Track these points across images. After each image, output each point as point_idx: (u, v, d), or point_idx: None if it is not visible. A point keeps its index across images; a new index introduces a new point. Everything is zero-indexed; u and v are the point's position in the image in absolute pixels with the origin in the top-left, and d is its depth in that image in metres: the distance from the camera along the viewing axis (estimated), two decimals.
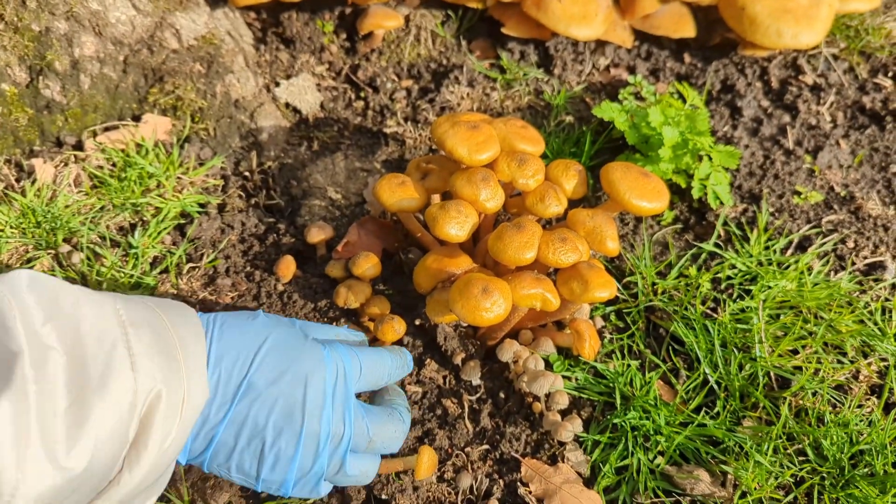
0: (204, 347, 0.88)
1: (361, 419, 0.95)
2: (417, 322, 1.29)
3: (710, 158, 1.44)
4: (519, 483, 1.13)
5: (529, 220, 1.18)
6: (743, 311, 1.31)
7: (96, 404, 0.74)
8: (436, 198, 1.38)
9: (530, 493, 1.12)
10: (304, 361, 0.92)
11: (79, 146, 1.50)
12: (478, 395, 1.24)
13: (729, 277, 1.37)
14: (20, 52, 1.47)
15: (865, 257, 1.43)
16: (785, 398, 1.18)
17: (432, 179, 1.30)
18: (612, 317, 1.34)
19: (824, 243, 1.44)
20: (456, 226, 1.17)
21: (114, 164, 1.47)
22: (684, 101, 1.60)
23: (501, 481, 1.14)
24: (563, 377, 1.23)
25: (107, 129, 1.52)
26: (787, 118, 1.71)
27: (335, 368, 0.94)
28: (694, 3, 1.81)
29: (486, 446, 1.18)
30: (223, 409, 0.88)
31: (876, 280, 1.40)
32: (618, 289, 1.36)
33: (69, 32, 1.49)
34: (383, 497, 1.08)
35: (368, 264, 1.28)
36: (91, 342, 0.77)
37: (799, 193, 1.54)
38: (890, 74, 1.82)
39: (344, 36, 1.81)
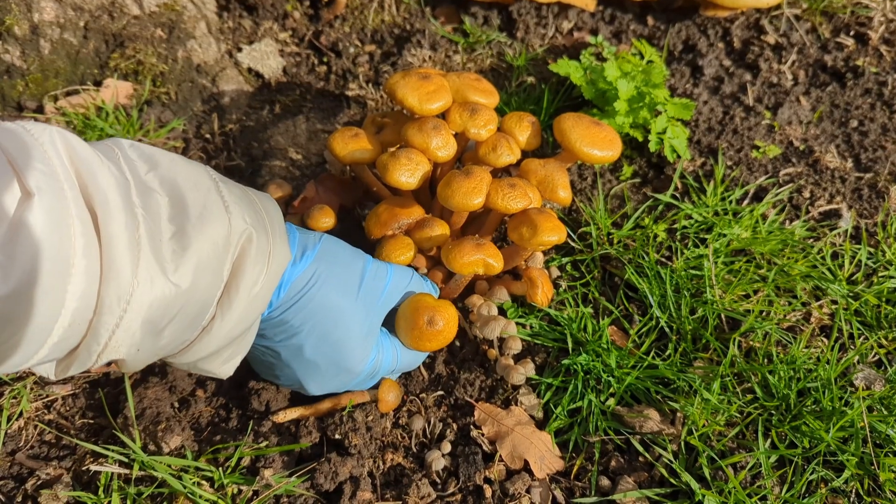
0: (282, 220, 0.95)
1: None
2: None
3: (667, 112, 1.45)
4: (472, 426, 1.14)
5: (478, 168, 1.19)
6: (697, 258, 1.32)
7: (196, 236, 0.80)
8: (392, 150, 1.38)
9: (483, 435, 1.13)
10: (352, 355, 1.04)
11: (39, 110, 1.50)
12: None
13: (684, 227, 1.38)
14: None
15: (821, 206, 1.44)
16: (735, 339, 1.19)
17: (386, 132, 1.31)
18: (568, 267, 1.35)
19: (779, 193, 1.45)
20: (406, 173, 1.18)
21: (73, 128, 1.48)
22: (643, 58, 1.61)
23: (455, 425, 1.15)
24: (518, 324, 1.24)
25: (68, 94, 1.53)
26: (748, 76, 1.72)
27: (374, 366, 1.08)
28: None
29: (440, 392, 1.19)
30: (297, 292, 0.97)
31: (830, 227, 1.41)
32: (573, 238, 1.37)
33: None
34: (336, 437, 1.08)
35: (323, 216, 1.29)
36: (188, 189, 0.83)
37: (758, 148, 1.55)
38: (852, 34, 1.83)
39: (307, 3, 1.81)
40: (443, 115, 1.27)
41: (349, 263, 1.05)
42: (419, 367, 1.22)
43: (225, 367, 0.96)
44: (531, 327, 1.25)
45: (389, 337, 1.12)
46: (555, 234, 1.14)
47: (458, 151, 1.27)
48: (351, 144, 1.24)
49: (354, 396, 1.13)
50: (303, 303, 0.98)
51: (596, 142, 1.25)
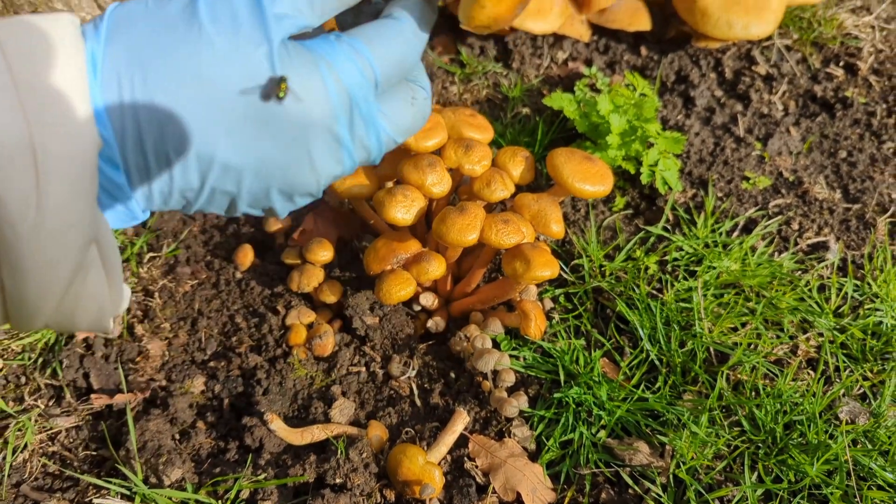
0: (75, 64, 0.57)
1: (386, 133, 0.73)
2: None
3: (658, 146, 1.48)
4: (466, 458, 1.17)
5: (473, 204, 1.22)
6: (687, 290, 1.35)
7: None
8: (389, 185, 1.41)
9: (476, 467, 1.16)
10: (292, 105, 0.62)
11: None
12: (429, 375, 1.27)
13: (675, 259, 1.41)
14: None
15: (809, 238, 1.47)
16: (723, 372, 1.22)
17: (383, 166, 1.34)
18: (561, 298, 1.38)
19: (768, 225, 1.48)
20: (402, 210, 1.21)
21: None
22: (635, 90, 1.65)
23: (449, 456, 1.17)
24: (511, 356, 1.27)
25: None
26: (739, 107, 1.76)
27: (342, 98, 0.66)
28: None
29: (435, 423, 1.22)
30: (190, 192, 0.65)
31: (818, 259, 1.44)
32: (566, 271, 1.40)
33: None
34: (337, 481, 1.11)
35: (321, 250, 1.32)
36: None
37: (748, 179, 1.58)
38: (841, 64, 1.87)
39: None
40: (438, 151, 1.30)
41: (159, 9, 0.62)
42: (414, 398, 1.24)
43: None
44: (524, 359, 1.28)
45: (353, 55, 0.67)
46: (547, 269, 1.18)
47: (454, 186, 1.30)
48: (349, 180, 1.27)
49: (345, 430, 1.15)
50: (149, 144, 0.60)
51: (588, 177, 1.28)
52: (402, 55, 0.71)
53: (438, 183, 1.24)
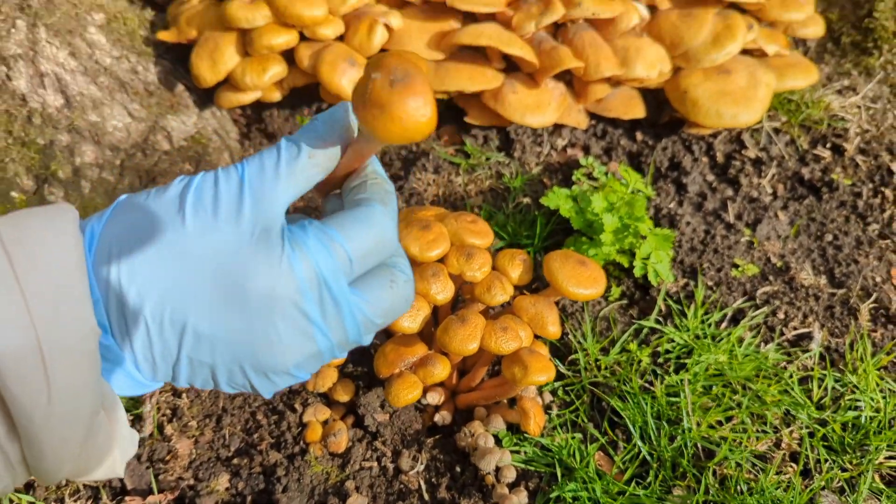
0: (75, 265, 0.63)
1: (362, 314, 0.73)
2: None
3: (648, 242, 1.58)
4: None
5: (473, 313, 1.33)
6: (681, 382, 1.44)
7: None
8: None
9: None
10: (258, 280, 0.67)
11: None
12: (436, 469, 1.37)
13: (667, 351, 1.50)
14: (27, 163, 1.64)
15: (795, 328, 1.56)
16: (710, 468, 1.30)
17: None
18: (560, 392, 1.47)
19: (755, 316, 1.57)
20: (409, 319, 1.32)
21: None
22: (628, 185, 1.75)
23: None
24: (512, 451, 1.37)
25: None
26: (729, 192, 1.85)
27: (308, 275, 0.68)
28: (643, 86, 1.97)
29: None
30: (170, 358, 0.70)
31: (802, 350, 1.52)
32: (564, 365, 1.49)
33: (71, 143, 1.67)
34: None
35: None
36: None
37: (737, 266, 1.67)
38: (828, 145, 1.96)
39: None
40: (442, 258, 1.41)
41: (155, 199, 0.70)
42: (422, 491, 1.34)
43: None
44: (525, 453, 1.37)
45: (323, 239, 0.70)
46: (544, 374, 1.27)
47: (456, 291, 1.41)
48: None
49: None
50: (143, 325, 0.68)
51: (581, 281, 1.38)
52: (377, 239, 0.73)
53: (442, 291, 1.35)
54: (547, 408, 1.45)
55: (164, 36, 1.82)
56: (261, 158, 0.71)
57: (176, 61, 1.93)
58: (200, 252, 0.67)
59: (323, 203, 0.86)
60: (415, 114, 0.65)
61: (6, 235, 0.61)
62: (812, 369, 1.48)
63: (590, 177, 1.84)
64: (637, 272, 1.59)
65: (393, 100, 0.65)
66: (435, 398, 1.42)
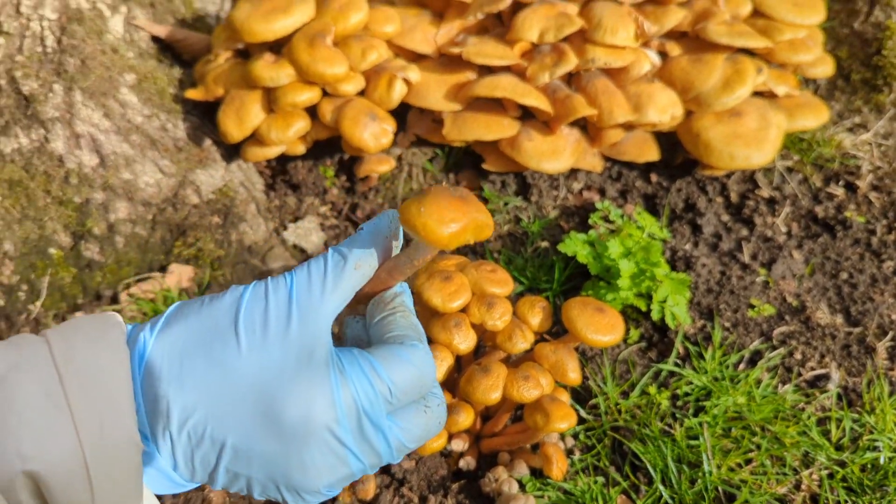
0: (128, 386, 0.68)
1: (397, 440, 0.75)
2: None
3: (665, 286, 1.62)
4: None
5: (495, 363, 1.37)
6: (700, 425, 1.47)
7: None
8: None
9: None
10: (296, 406, 0.69)
11: (115, 299, 1.73)
12: None
13: (686, 394, 1.53)
14: (64, 220, 1.72)
15: (812, 367, 1.59)
16: None
17: None
18: (581, 436, 1.51)
19: (772, 357, 1.59)
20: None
21: (144, 314, 1.70)
22: (643, 229, 1.79)
23: None
24: (536, 496, 1.40)
25: (139, 281, 1.76)
26: (744, 231, 1.89)
27: (348, 403, 0.70)
28: (656, 130, 2.01)
29: None
30: (208, 467, 0.72)
31: (821, 391, 1.55)
32: (585, 409, 1.53)
33: (105, 201, 1.74)
34: None
35: None
36: None
37: (753, 307, 1.70)
38: (841, 183, 1.99)
39: (344, 178, 2.04)
40: (464, 308, 1.45)
41: (207, 311, 0.73)
42: None
43: None
44: (548, 498, 1.40)
45: (361, 374, 0.72)
46: (565, 421, 1.31)
47: (478, 340, 1.45)
48: None
49: None
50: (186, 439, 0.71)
51: (599, 328, 1.42)
52: (419, 379, 0.74)
53: (464, 341, 1.39)
54: (569, 452, 1.48)
55: (192, 94, 1.90)
56: (308, 269, 0.74)
57: (203, 116, 2.01)
58: (246, 371, 0.70)
59: (342, 327, 0.89)
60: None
61: (57, 353, 0.66)
62: (830, 410, 1.51)
63: (606, 219, 1.88)
64: (654, 316, 1.62)
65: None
66: (459, 445, 1.46)
